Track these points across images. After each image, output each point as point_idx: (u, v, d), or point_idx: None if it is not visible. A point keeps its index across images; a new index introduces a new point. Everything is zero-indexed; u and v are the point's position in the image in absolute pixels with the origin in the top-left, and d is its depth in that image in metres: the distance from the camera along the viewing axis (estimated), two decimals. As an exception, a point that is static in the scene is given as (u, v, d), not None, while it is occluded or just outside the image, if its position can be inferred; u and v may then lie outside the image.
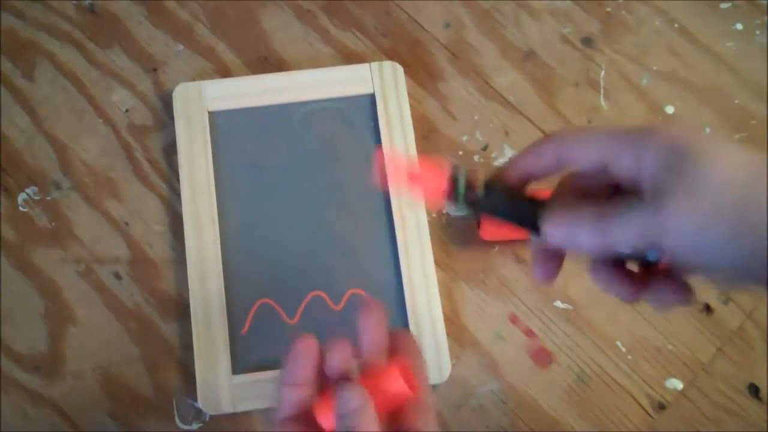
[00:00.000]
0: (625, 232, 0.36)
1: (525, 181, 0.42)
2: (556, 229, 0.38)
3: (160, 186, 0.71)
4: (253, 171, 0.70)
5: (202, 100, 0.71)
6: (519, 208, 0.41)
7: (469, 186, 0.41)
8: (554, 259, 0.42)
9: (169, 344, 0.67)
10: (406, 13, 0.77)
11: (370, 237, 0.69)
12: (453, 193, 0.41)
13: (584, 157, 0.38)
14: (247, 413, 0.65)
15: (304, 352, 0.45)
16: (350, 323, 0.46)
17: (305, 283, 0.68)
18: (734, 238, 0.33)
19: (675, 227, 0.34)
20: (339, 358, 0.44)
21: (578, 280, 0.69)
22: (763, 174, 0.33)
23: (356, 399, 0.42)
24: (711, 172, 0.33)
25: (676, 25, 0.77)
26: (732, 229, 0.32)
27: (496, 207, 0.41)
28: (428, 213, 0.70)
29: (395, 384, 0.43)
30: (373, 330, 0.45)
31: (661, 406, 0.66)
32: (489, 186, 0.41)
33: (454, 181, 0.41)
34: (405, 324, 0.66)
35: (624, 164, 0.36)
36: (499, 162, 0.72)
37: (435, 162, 0.42)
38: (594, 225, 0.37)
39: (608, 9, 0.77)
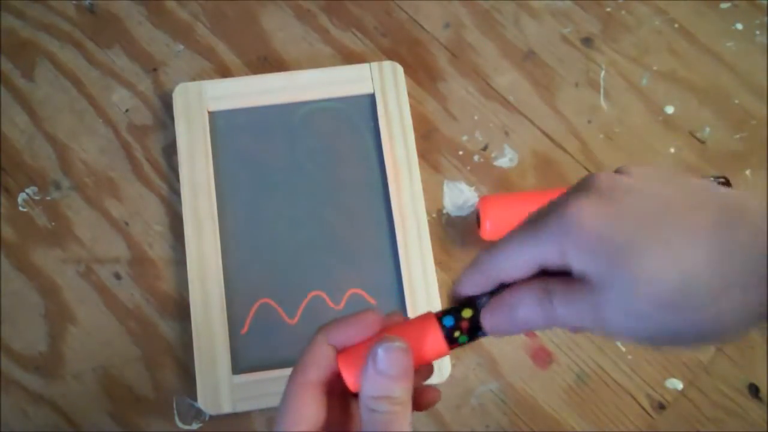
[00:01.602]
0: (567, 316, 0.35)
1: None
2: (493, 320, 0.37)
3: (160, 186, 0.71)
4: (253, 171, 0.70)
5: (202, 100, 0.71)
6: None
7: (461, 326, 0.39)
8: None
9: (169, 344, 0.67)
10: (406, 13, 0.77)
11: (370, 237, 0.69)
12: (453, 335, 0.39)
13: (517, 272, 0.37)
14: (247, 413, 0.65)
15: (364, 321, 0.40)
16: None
17: (305, 282, 0.68)
18: (670, 324, 0.33)
19: (612, 320, 0.34)
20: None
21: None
22: (694, 267, 0.33)
23: (399, 361, 0.37)
24: (641, 273, 0.33)
25: (676, 25, 0.77)
26: (668, 317, 0.33)
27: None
28: (428, 213, 0.70)
29: (433, 337, 0.38)
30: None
31: (661, 406, 0.66)
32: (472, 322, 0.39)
33: (447, 325, 0.39)
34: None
35: (556, 265, 0.35)
36: (499, 162, 0.72)
37: (413, 324, 0.39)
38: (540, 306, 0.36)
39: (608, 9, 0.77)
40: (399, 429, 0.36)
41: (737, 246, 0.33)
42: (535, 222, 0.36)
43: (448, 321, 0.39)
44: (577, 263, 0.34)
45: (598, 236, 0.34)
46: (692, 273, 0.32)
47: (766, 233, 0.32)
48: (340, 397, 0.41)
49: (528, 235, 0.36)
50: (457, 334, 0.39)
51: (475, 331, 0.39)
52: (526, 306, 0.36)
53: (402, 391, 0.37)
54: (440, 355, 0.39)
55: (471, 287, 0.39)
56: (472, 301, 0.39)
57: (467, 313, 0.39)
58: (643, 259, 0.33)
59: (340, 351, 0.39)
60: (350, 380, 0.38)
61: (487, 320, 0.38)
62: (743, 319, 0.33)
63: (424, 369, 0.42)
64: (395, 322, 0.40)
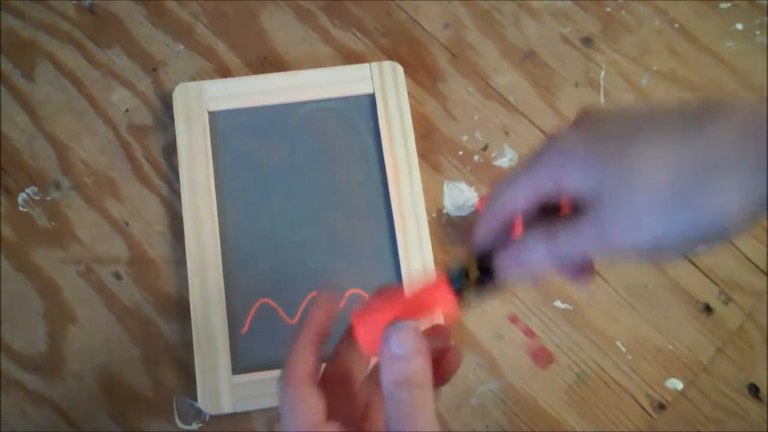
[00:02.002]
0: (572, 245, 0.36)
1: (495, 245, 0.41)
2: (509, 268, 0.38)
3: (160, 186, 0.71)
4: (253, 171, 0.70)
5: (202, 100, 0.71)
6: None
7: (468, 278, 0.40)
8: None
9: (169, 344, 0.67)
10: (406, 13, 0.77)
11: (370, 237, 0.69)
12: (463, 296, 0.40)
13: (519, 203, 0.38)
14: (247, 413, 0.65)
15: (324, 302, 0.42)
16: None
17: (305, 282, 0.68)
18: (675, 223, 0.33)
19: (616, 232, 0.34)
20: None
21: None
22: (688, 168, 0.33)
23: (410, 341, 0.38)
24: (633, 175, 0.34)
25: (676, 25, 0.77)
26: (671, 214, 0.33)
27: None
28: (428, 213, 0.70)
29: (443, 300, 0.40)
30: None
31: (661, 406, 0.66)
32: (482, 269, 0.40)
33: (456, 286, 0.40)
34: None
35: (554, 193, 0.37)
36: (499, 162, 0.72)
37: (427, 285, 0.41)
38: (545, 246, 0.37)
39: (608, 9, 0.77)
40: (423, 412, 0.37)
41: (721, 134, 0.33)
42: (531, 156, 0.38)
43: (455, 276, 0.40)
44: (571, 184, 0.35)
45: (586, 152, 0.35)
46: (683, 167, 0.33)
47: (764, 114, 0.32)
48: (340, 383, 0.42)
49: (524, 168, 0.37)
50: (464, 283, 0.40)
51: (483, 282, 0.40)
52: (531, 242, 0.37)
53: (419, 369, 0.37)
54: (453, 314, 0.40)
55: (483, 234, 0.40)
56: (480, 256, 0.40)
57: (471, 263, 0.40)
58: (632, 162, 0.34)
59: (356, 316, 0.40)
60: (364, 343, 0.39)
61: (498, 263, 0.39)
62: (750, 210, 0.33)
63: (439, 336, 0.43)
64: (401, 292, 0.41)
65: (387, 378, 0.37)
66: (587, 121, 0.37)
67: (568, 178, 0.35)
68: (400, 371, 0.37)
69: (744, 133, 0.32)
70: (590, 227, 0.35)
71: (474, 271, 0.40)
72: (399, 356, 0.37)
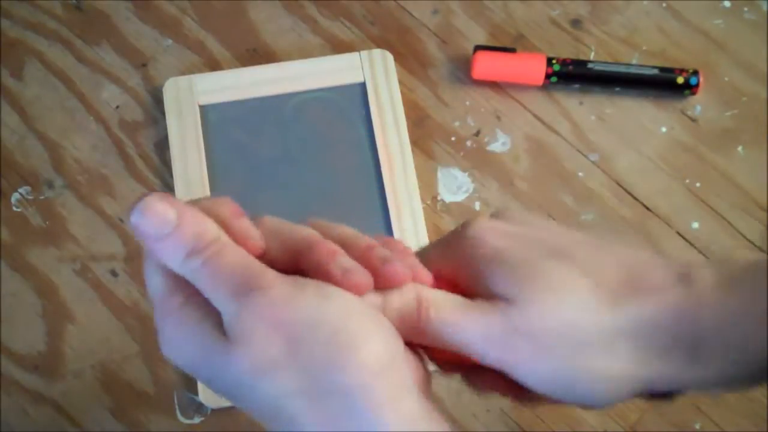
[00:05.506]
0: (474, 326, 0.33)
1: None
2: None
3: (153, 181, 0.71)
4: (246, 163, 0.70)
5: (193, 94, 0.71)
6: None
7: None
8: None
9: (168, 339, 0.67)
10: (395, 0, 0.77)
11: (365, 226, 0.68)
12: None
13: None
14: (248, 405, 0.65)
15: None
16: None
17: (302, 273, 0.68)
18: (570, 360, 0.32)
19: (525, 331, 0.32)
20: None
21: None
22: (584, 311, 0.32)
23: (166, 214, 0.30)
24: (553, 288, 0.32)
25: (664, 5, 0.77)
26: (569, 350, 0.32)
27: None
28: (423, 200, 0.70)
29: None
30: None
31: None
32: None
33: None
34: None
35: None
36: (492, 147, 0.72)
37: None
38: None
39: (596, -10, 0.77)
40: (227, 268, 0.30)
41: (640, 312, 0.32)
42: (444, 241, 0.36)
43: None
44: (492, 282, 0.34)
45: (501, 251, 0.34)
46: (585, 314, 0.32)
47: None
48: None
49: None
50: None
51: None
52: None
53: (194, 234, 0.30)
54: None
55: None
56: None
57: None
58: (553, 276, 0.32)
59: None
60: None
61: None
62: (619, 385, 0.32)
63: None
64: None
65: (169, 263, 0.31)
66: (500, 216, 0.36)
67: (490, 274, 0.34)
68: (174, 252, 0.30)
69: (657, 314, 0.32)
70: (499, 314, 0.33)
71: None
72: (161, 239, 0.30)
